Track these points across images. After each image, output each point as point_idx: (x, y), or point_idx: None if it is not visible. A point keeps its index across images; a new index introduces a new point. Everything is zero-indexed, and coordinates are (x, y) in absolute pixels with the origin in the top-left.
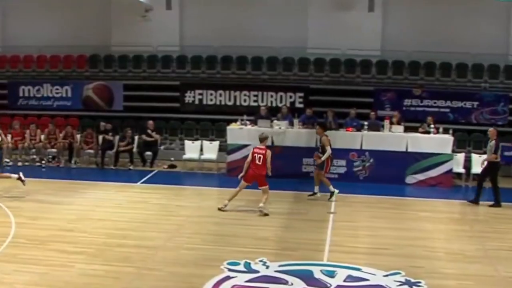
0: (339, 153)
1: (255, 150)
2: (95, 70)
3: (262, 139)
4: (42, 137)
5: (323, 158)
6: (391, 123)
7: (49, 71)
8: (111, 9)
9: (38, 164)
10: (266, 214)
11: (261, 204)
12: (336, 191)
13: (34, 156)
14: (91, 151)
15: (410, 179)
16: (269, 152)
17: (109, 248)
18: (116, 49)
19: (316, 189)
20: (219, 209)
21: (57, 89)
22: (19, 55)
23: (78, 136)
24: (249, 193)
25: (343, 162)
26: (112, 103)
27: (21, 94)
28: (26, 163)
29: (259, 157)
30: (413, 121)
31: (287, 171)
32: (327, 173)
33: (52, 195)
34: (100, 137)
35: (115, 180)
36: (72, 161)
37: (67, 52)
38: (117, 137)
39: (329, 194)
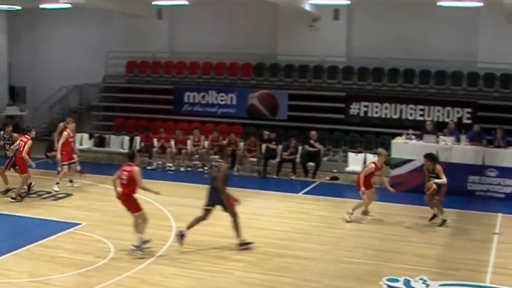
0: (506, 172)
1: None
2: (261, 79)
3: (379, 154)
4: (206, 143)
5: (438, 181)
6: None
7: (215, 78)
8: (278, 18)
9: (200, 170)
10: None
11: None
12: (449, 220)
13: (197, 162)
14: (254, 159)
15: None
16: (370, 166)
17: (268, 257)
18: (282, 58)
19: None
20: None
21: (222, 96)
22: (186, 61)
23: (242, 144)
24: (414, 209)
25: (510, 182)
26: (277, 112)
27: (186, 100)
28: (189, 169)
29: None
30: None
31: (451, 188)
32: (442, 200)
33: None
34: (264, 146)
35: (276, 190)
36: (235, 169)
37: (233, 59)
38: (280, 146)
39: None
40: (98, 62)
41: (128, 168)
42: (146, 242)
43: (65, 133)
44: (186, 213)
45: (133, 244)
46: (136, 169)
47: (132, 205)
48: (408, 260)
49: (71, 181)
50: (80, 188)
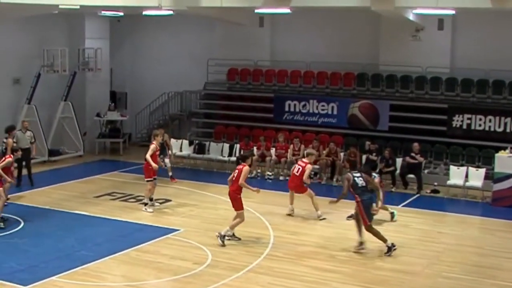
0: None
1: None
2: (362, 89)
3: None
4: (305, 152)
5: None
6: None
7: (316, 87)
8: (381, 28)
9: None
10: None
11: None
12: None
13: None
14: None
15: None
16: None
17: (365, 270)
18: (384, 68)
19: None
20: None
21: (322, 105)
22: (287, 70)
23: (342, 154)
24: None
25: None
26: (378, 123)
27: (286, 109)
28: (287, 178)
29: (298, 168)
30: None
31: None
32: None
33: (312, 211)
34: (364, 157)
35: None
36: (334, 179)
37: (334, 69)
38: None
39: None
40: (199, 69)
41: (240, 166)
42: (230, 237)
43: (152, 145)
44: (285, 222)
45: (219, 232)
46: (245, 168)
47: (236, 203)
48: (509, 277)
49: (151, 199)
50: (177, 195)
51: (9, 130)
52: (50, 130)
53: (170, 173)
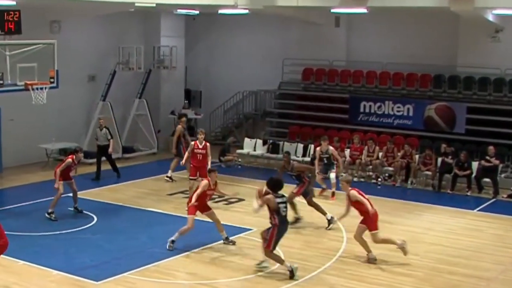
0: None
1: None
2: (439, 90)
3: None
4: (380, 154)
5: None
6: None
7: (392, 88)
8: (459, 28)
9: (373, 181)
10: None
11: None
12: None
13: (370, 173)
14: (429, 173)
15: None
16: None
17: (438, 274)
18: (461, 69)
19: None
20: None
21: (398, 107)
22: (363, 70)
23: (417, 156)
24: None
25: None
26: (454, 125)
27: (362, 110)
28: (362, 179)
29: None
30: None
31: None
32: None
33: (385, 214)
34: (439, 160)
35: (450, 205)
36: (409, 182)
37: (410, 70)
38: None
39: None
40: (274, 68)
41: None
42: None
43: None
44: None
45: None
46: (203, 181)
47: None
48: None
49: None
50: (250, 195)
51: (181, 117)
52: (124, 127)
53: (333, 189)
